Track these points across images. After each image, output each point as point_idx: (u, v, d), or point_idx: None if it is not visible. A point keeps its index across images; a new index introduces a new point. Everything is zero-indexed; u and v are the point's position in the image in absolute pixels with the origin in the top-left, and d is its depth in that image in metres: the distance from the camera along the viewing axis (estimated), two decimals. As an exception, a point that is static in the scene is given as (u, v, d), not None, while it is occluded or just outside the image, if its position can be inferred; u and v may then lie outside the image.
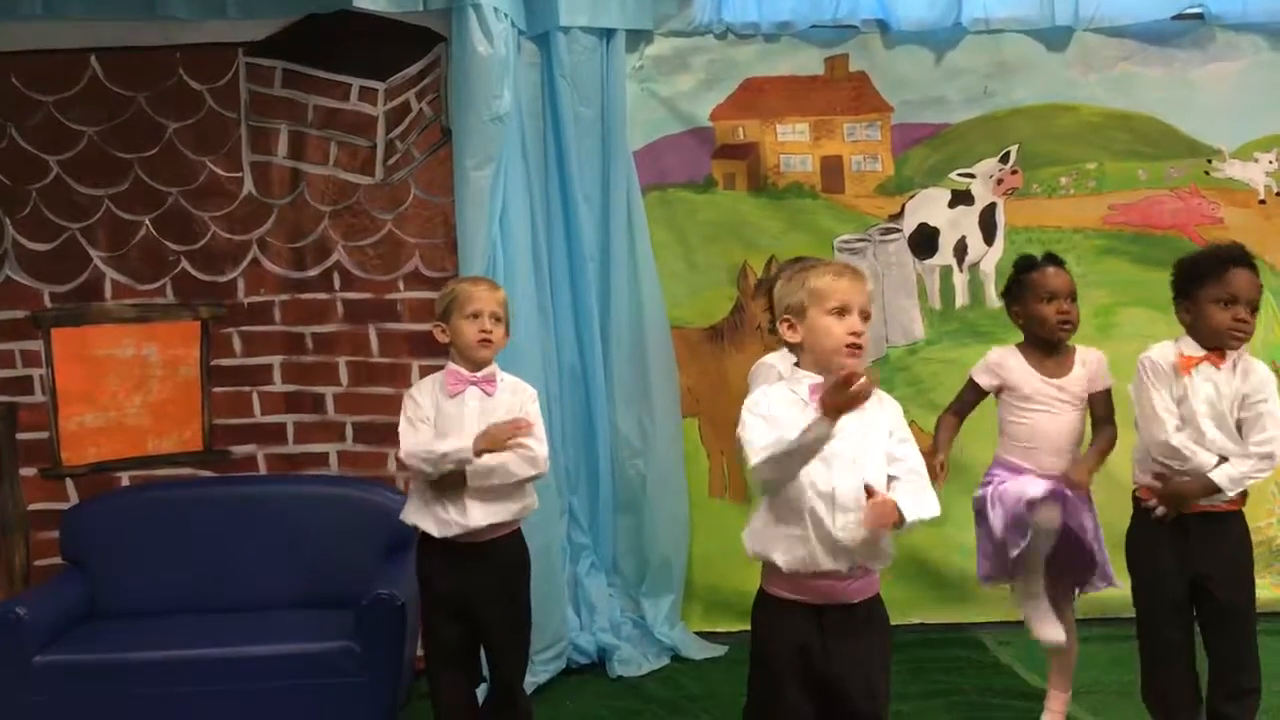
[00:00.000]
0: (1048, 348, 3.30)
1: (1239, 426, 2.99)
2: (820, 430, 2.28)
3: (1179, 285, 3.09)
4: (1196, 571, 3.01)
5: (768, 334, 3.78)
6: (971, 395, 3.39)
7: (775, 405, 2.45)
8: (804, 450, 2.32)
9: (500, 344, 3.13)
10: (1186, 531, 3.01)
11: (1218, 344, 2.98)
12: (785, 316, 2.46)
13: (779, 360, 3.10)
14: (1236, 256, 3.01)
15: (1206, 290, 2.98)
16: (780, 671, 2.45)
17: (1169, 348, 3.07)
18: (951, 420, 3.39)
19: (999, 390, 3.34)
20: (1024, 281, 3.32)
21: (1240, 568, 3.06)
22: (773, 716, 2.47)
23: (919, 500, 2.42)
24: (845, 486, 2.40)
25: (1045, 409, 3.26)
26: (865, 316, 2.43)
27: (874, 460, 2.45)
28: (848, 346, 2.40)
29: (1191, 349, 3.02)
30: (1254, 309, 2.98)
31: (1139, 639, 3.16)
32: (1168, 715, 3.11)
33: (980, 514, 3.32)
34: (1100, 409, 3.31)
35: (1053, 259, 3.36)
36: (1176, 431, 2.99)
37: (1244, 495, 3.04)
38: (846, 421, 2.33)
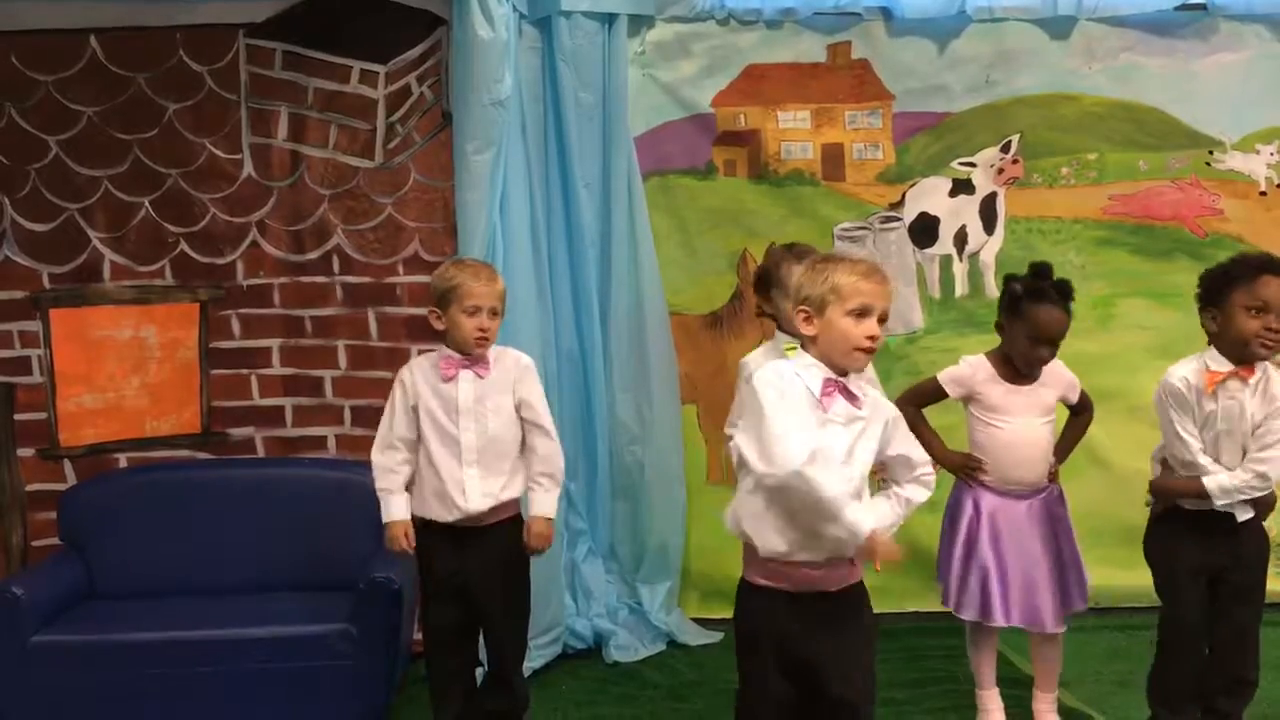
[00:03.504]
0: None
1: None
2: (850, 537, 2.36)
3: (1207, 292, 3.02)
4: (1215, 560, 3.02)
5: (755, 318, 3.82)
6: (931, 396, 3.29)
7: (795, 402, 2.41)
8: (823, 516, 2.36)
9: (494, 337, 3.13)
10: (1209, 528, 3.01)
11: (1244, 353, 2.93)
12: (803, 307, 2.42)
13: (759, 356, 3.17)
14: (1269, 265, 2.94)
15: (1237, 295, 2.93)
16: (763, 658, 2.47)
17: (1193, 367, 3.00)
18: (912, 411, 3.20)
19: (966, 400, 3.29)
20: (1021, 310, 3.17)
21: (1259, 558, 3.08)
22: (758, 702, 2.49)
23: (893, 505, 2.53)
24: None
25: (1011, 419, 3.21)
26: (883, 319, 2.41)
27: (863, 460, 2.46)
28: (861, 350, 2.38)
29: (1218, 363, 2.97)
30: None
31: (1160, 629, 3.14)
32: (1168, 706, 3.12)
33: (951, 525, 3.34)
34: (1076, 404, 3.30)
35: (1061, 294, 3.17)
36: (1201, 454, 2.98)
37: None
38: (838, 419, 2.41)
